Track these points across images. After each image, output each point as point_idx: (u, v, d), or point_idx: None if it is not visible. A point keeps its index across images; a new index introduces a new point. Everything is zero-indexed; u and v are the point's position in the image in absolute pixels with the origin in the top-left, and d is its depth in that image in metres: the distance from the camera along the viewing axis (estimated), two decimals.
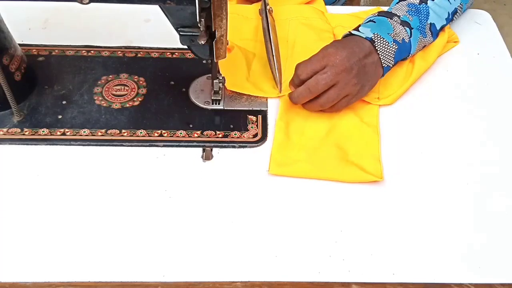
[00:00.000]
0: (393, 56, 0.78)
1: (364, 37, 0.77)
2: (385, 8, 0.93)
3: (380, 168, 0.72)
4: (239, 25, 0.91)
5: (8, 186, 0.69)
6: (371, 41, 0.77)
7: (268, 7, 0.89)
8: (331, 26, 0.91)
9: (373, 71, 0.76)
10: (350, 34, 0.79)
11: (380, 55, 0.76)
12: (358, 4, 1.23)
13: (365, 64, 0.75)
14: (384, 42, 0.77)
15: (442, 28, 0.85)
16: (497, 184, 0.72)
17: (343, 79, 0.73)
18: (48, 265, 0.62)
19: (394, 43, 0.77)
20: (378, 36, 0.77)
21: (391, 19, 0.80)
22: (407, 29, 0.79)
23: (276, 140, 0.75)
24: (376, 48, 0.76)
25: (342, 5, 1.05)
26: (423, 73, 0.84)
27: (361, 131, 0.76)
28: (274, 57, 0.81)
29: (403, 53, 0.79)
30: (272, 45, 0.83)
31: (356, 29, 0.79)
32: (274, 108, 0.80)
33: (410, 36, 0.79)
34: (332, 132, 0.76)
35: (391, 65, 0.78)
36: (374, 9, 0.93)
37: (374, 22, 0.79)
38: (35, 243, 0.64)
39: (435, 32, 0.84)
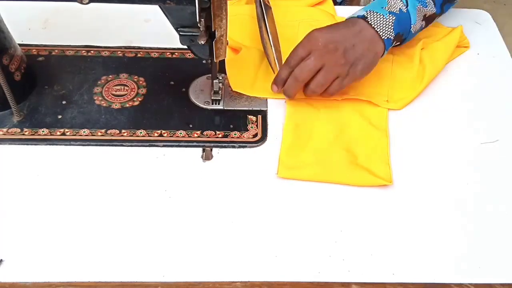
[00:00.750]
0: (391, 27, 0.76)
1: (356, 16, 0.76)
2: None
3: (389, 172, 0.72)
4: (248, 25, 0.91)
5: (8, 186, 0.69)
6: (364, 18, 0.76)
7: None
8: None
9: (366, 48, 0.75)
10: (346, 19, 0.78)
11: (376, 29, 0.75)
12: (358, 4, 1.23)
13: (354, 43, 0.74)
14: (378, 16, 0.76)
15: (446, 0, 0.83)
16: (497, 184, 0.72)
17: (328, 61, 0.73)
18: (48, 265, 0.62)
19: (390, 15, 0.76)
20: (372, 12, 0.76)
21: None
22: None
23: (285, 143, 0.75)
24: (370, 22, 0.75)
25: (340, 4, 1.05)
26: (433, 78, 0.84)
27: (370, 134, 0.76)
28: (273, 47, 0.80)
29: (402, 24, 0.78)
30: (270, 34, 0.81)
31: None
32: (274, 108, 0.80)
33: (407, 6, 0.78)
34: (341, 135, 0.76)
35: (392, 37, 0.77)
36: None
37: (370, 2, 0.79)
38: (35, 243, 0.64)
39: (439, 3, 0.81)
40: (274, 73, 0.79)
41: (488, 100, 0.83)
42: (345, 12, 0.95)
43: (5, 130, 0.75)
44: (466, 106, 0.82)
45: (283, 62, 0.79)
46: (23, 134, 0.74)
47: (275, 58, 0.80)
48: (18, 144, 0.74)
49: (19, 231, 0.65)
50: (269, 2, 0.89)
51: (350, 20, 0.77)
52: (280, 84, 0.77)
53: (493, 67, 0.88)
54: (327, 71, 0.73)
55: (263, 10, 0.85)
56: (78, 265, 0.62)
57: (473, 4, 0.90)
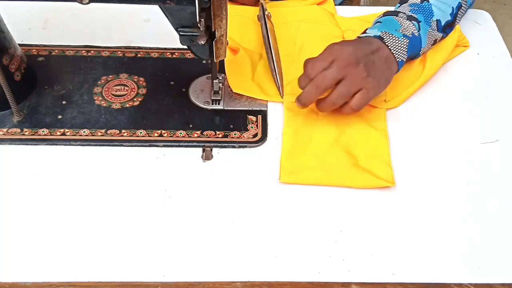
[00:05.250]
0: (405, 50, 0.77)
1: (373, 35, 0.77)
2: (386, 8, 0.94)
3: (391, 173, 0.71)
4: (243, 26, 0.91)
5: (8, 186, 0.69)
6: (380, 38, 0.76)
7: (266, 13, 0.88)
8: (341, 30, 0.90)
9: (384, 66, 0.75)
10: (359, 37, 0.79)
11: (392, 50, 0.76)
12: (358, 4, 1.23)
13: (374, 60, 0.74)
14: (393, 38, 0.76)
15: (448, 24, 0.84)
16: (497, 184, 0.72)
17: (351, 73, 0.72)
18: (48, 265, 0.62)
19: (404, 38, 0.77)
20: (387, 33, 0.76)
21: (397, 16, 0.80)
22: (415, 23, 0.79)
23: (285, 147, 0.74)
24: (387, 44, 0.76)
25: (340, 4, 1.05)
26: (431, 77, 0.84)
27: (370, 136, 0.76)
28: (275, 62, 0.81)
29: (414, 47, 0.79)
30: (272, 51, 0.82)
31: (364, 32, 0.79)
32: (274, 108, 0.80)
33: (419, 30, 0.79)
34: (341, 137, 0.76)
35: (404, 59, 0.77)
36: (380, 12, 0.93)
37: (381, 22, 0.80)
38: (35, 243, 0.64)
39: (440, 28, 0.83)
40: (280, 94, 0.80)
41: (488, 100, 0.83)
42: (345, 12, 0.96)
43: (5, 130, 0.75)
44: (466, 106, 0.82)
45: (284, 80, 0.81)
46: (23, 134, 0.74)
47: (278, 79, 0.81)
48: (18, 144, 0.74)
49: (19, 231, 0.65)
50: (270, 17, 0.89)
51: (366, 38, 0.77)
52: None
53: (493, 67, 0.88)
54: (349, 82, 0.72)
55: (267, 28, 0.86)
56: (78, 265, 0.62)
57: (475, 1, 0.90)
